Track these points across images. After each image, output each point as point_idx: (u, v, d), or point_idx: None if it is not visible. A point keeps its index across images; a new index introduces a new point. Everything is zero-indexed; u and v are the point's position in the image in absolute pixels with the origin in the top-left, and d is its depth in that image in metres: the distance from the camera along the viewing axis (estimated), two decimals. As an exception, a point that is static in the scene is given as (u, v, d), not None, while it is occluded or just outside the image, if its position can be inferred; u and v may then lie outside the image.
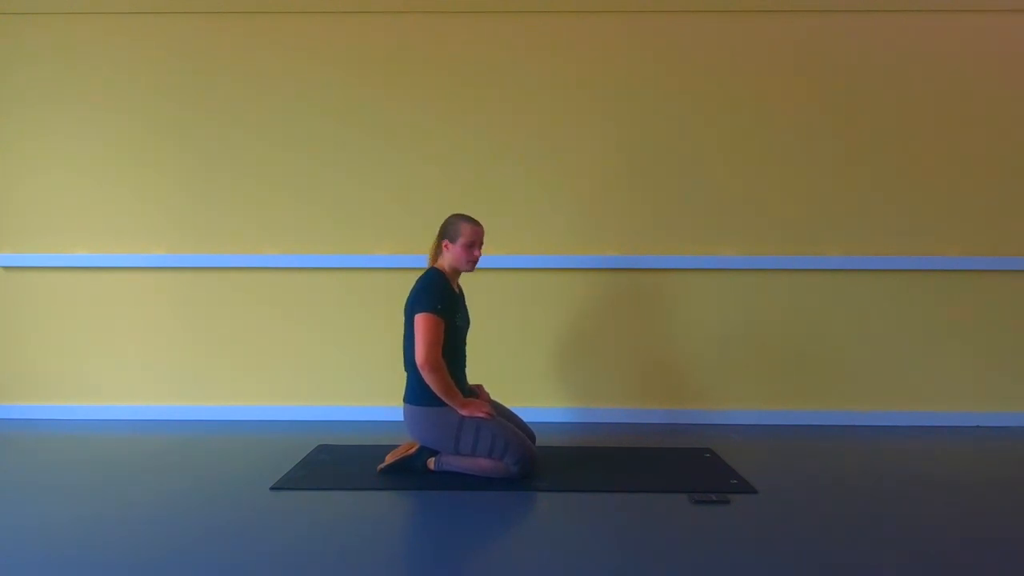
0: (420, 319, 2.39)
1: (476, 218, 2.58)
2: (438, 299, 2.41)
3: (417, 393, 2.44)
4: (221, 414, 3.35)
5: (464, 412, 2.41)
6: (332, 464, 2.62)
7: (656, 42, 3.27)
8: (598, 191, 3.30)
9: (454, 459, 2.47)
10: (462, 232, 2.49)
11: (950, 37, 3.25)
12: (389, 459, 2.53)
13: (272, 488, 2.36)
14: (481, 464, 2.43)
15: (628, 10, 3.26)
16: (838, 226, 3.29)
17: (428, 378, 2.37)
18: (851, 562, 1.81)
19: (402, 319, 2.55)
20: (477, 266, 2.61)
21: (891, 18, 3.25)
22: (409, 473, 2.50)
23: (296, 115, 3.29)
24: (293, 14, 3.27)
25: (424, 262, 2.66)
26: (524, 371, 3.33)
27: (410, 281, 2.57)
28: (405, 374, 2.54)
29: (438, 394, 2.39)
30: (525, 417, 2.76)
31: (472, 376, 2.70)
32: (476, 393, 2.68)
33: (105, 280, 3.34)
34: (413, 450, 2.52)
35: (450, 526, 2.05)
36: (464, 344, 2.62)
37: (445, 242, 2.51)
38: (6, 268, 3.35)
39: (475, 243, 2.51)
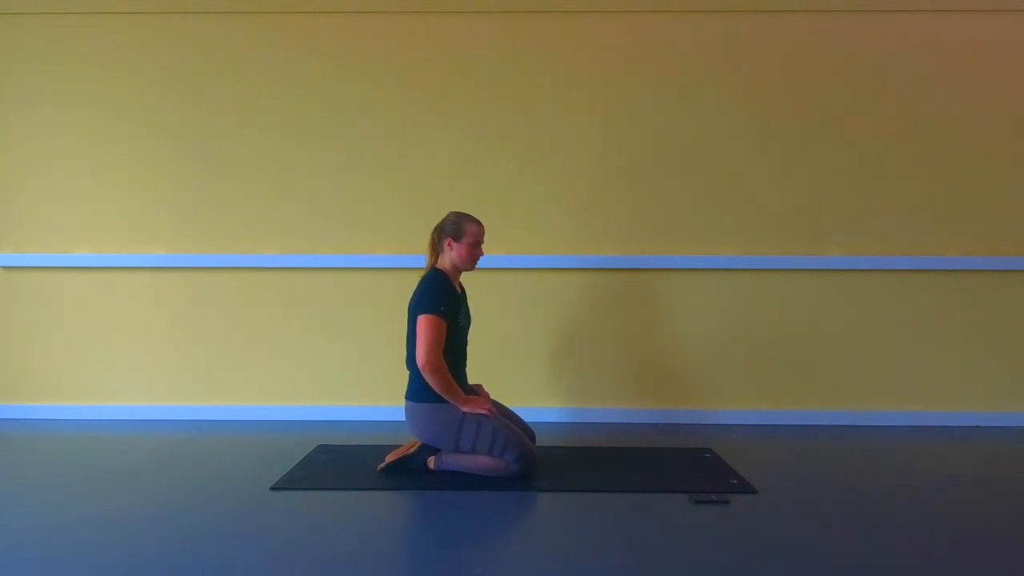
0: (423, 320, 2.39)
1: (476, 217, 2.58)
2: (441, 301, 2.42)
3: (418, 390, 2.45)
4: (221, 414, 3.34)
5: (465, 409, 2.42)
6: (332, 464, 2.62)
7: (656, 42, 3.27)
8: (598, 191, 3.30)
9: (454, 457, 2.48)
10: (467, 232, 2.50)
11: (950, 37, 3.25)
12: (389, 459, 2.53)
13: (272, 488, 2.36)
14: (481, 462, 2.44)
15: (628, 10, 3.26)
16: (838, 226, 3.29)
17: (429, 379, 2.38)
18: (851, 562, 1.81)
19: (403, 318, 2.56)
20: (477, 265, 2.62)
21: (890, 18, 3.25)
22: (409, 473, 2.50)
23: (296, 115, 3.29)
24: (293, 14, 3.27)
25: (423, 262, 2.65)
26: (524, 371, 3.33)
27: (410, 281, 2.57)
28: (405, 373, 2.54)
29: (440, 393, 2.40)
30: (525, 417, 2.76)
31: (472, 376, 2.70)
32: (476, 392, 2.68)
33: (105, 280, 3.34)
34: (413, 449, 2.52)
35: (450, 526, 2.05)
36: (465, 343, 2.62)
37: (449, 240, 2.51)
38: (6, 268, 3.35)
39: (479, 242, 2.54)
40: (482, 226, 2.55)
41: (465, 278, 2.73)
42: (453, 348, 2.50)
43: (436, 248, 2.57)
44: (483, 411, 2.42)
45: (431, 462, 2.51)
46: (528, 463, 2.42)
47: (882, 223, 3.29)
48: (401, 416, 2.56)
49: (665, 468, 2.60)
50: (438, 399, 2.42)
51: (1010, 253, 3.28)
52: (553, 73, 3.27)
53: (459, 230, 2.51)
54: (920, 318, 3.30)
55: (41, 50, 3.29)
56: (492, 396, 2.78)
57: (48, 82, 3.29)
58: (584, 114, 3.28)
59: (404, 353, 2.58)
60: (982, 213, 3.28)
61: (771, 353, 3.33)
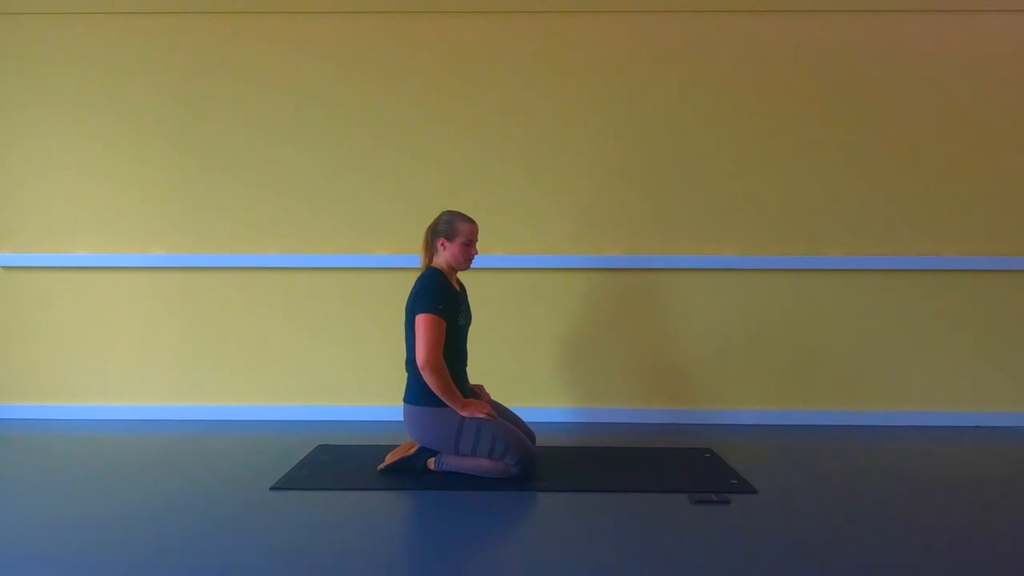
0: (421, 320, 2.38)
1: (472, 217, 2.58)
2: (439, 299, 2.41)
3: (417, 393, 2.44)
4: (221, 414, 3.35)
5: (464, 413, 2.41)
6: (332, 464, 2.62)
7: (656, 42, 3.27)
8: (598, 191, 3.30)
9: (454, 459, 2.47)
10: (459, 231, 2.49)
11: (950, 37, 3.25)
12: (389, 459, 2.53)
13: (272, 488, 2.36)
14: (481, 464, 2.43)
15: (628, 10, 3.26)
16: (838, 226, 3.29)
17: (429, 379, 2.37)
18: (851, 562, 1.81)
19: (402, 318, 2.55)
20: (474, 264, 2.61)
21: (891, 18, 3.25)
22: (409, 473, 2.50)
23: (296, 115, 3.29)
24: (293, 14, 3.27)
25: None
26: (525, 371, 3.33)
27: (410, 281, 2.57)
28: (405, 374, 2.54)
29: (438, 395, 2.39)
30: (526, 417, 2.76)
31: (473, 376, 2.70)
32: (477, 393, 2.67)
33: (105, 280, 3.34)
34: (413, 450, 2.52)
35: (450, 526, 2.05)
36: (465, 343, 2.61)
37: (442, 241, 2.51)
38: (6, 268, 3.35)
39: (472, 241, 2.52)
40: (475, 224, 2.53)
41: (467, 278, 2.73)
42: (453, 348, 2.49)
43: (430, 248, 2.56)
44: (481, 415, 2.41)
45: (431, 463, 2.51)
46: (529, 465, 2.42)
47: (882, 223, 3.29)
48: (401, 416, 2.56)
49: (665, 468, 2.60)
50: (436, 403, 2.41)
51: (1010, 253, 3.28)
52: (553, 73, 3.27)
53: (452, 230, 2.49)
54: (920, 318, 3.30)
55: (41, 50, 3.29)
56: (493, 396, 2.78)
57: (48, 82, 3.29)
58: (584, 114, 3.28)
59: (403, 353, 2.57)
60: (982, 213, 3.28)
61: (771, 353, 3.33)
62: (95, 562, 1.80)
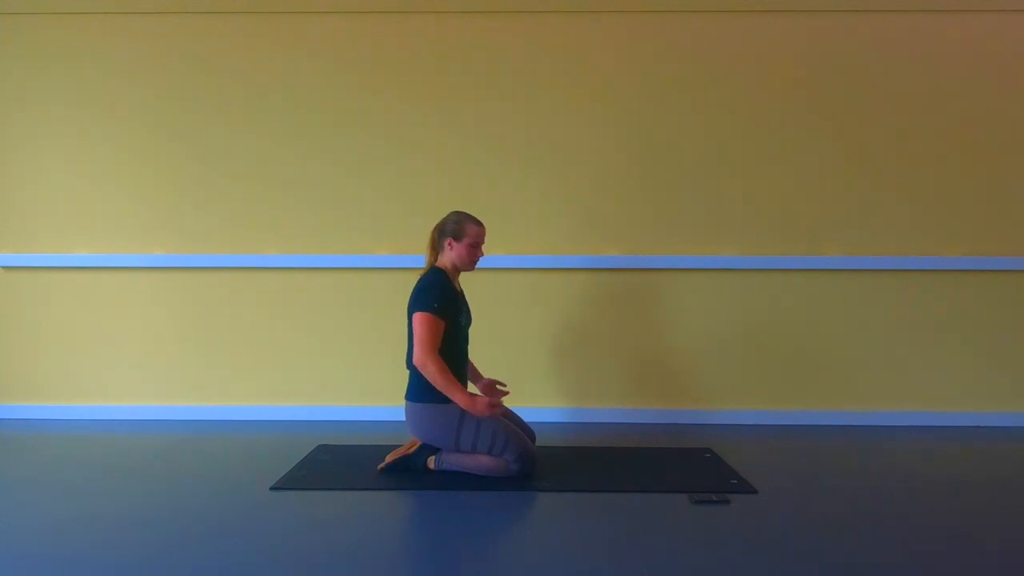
0: (418, 318, 2.39)
1: (477, 218, 2.58)
2: (436, 298, 2.41)
3: (418, 390, 2.45)
4: (221, 414, 3.35)
5: (465, 405, 2.40)
6: (332, 464, 2.62)
7: (656, 42, 3.27)
8: (598, 191, 3.30)
9: (454, 457, 2.47)
10: (467, 232, 2.50)
11: (950, 37, 3.25)
12: (390, 459, 2.53)
13: (272, 488, 2.36)
14: (481, 461, 2.44)
15: (629, 10, 3.26)
16: (838, 226, 3.29)
17: (427, 376, 2.37)
18: (851, 562, 1.81)
19: (403, 318, 2.56)
20: (477, 265, 2.62)
21: (891, 18, 3.25)
22: (409, 473, 2.50)
23: (295, 115, 3.29)
24: (293, 14, 3.27)
25: (423, 262, 2.65)
26: (524, 371, 3.33)
27: (410, 281, 2.57)
28: (405, 373, 2.54)
29: (440, 390, 2.39)
30: (525, 417, 2.76)
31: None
32: (485, 389, 2.68)
33: (105, 280, 3.34)
34: (413, 449, 2.52)
35: (450, 526, 2.05)
36: (466, 342, 2.62)
37: (449, 240, 2.51)
38: (6, 268, 3.35)
39: (479, 243, 2.54)
40: (483, 227, 2.55)
41: (466, 276, 2.74)
42: (454, 347, 2.50)
43: (436, 247, 2.57)
44: (483, 409, 2.41)
45: (431, 462, 2.51)
46: (528, 462, 2.43)
47: (882, 223, 3.29)
48: (401, 416, 2.56)
49: (665, 468, 2.60)
50: (438, 399, 2.42)
51: (1010, 253, 3.28)
52: (553, 73, 3.27)
53: (460, 230, 2.51)
54: (920, 318, 3.30)
55: (41, 50, 3.29)
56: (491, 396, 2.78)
57: (48, 82, 3.29)
58: (584, 114, 3.28)
59: (403, 352, 2.58)
60: (982, 213, 3.28)
61: (771, 353, 3.33)
62: (95, 562, 1.79)
